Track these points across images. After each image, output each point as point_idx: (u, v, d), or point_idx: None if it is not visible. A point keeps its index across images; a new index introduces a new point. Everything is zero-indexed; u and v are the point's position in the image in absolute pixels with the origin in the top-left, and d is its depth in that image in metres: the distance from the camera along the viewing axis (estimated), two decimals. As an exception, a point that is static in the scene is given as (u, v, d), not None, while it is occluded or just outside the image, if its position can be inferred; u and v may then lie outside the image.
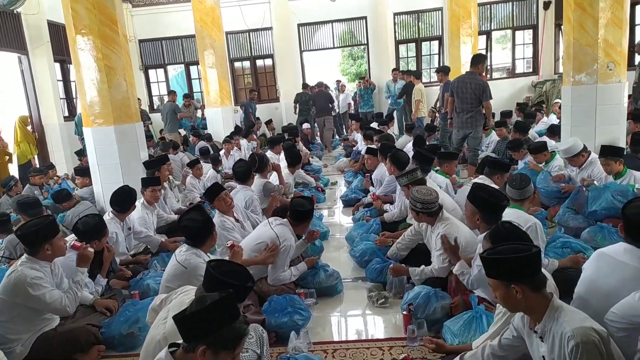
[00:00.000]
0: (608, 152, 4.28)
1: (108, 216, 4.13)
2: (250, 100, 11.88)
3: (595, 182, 4.52)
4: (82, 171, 6.04)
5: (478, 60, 6.60)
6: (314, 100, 11.41)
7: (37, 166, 8.20)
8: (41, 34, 9.34)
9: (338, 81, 13.70)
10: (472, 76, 6.50)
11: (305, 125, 11.05)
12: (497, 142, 7.32)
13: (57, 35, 9.89)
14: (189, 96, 11.48)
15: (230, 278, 2.05)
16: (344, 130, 12.86)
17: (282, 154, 7.03)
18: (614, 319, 2.02)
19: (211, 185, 4.31)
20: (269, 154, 7.05)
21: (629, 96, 6.91)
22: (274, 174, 5.85)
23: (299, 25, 12.86)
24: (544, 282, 1.89)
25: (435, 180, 4.74)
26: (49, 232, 2.91)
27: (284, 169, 6.19)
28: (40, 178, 6.64)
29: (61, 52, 9.96)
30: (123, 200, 4.15)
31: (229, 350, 1.68)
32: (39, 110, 9.49)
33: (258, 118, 12.06)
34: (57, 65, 10.08)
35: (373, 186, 5.87)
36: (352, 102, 12.93)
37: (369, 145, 6.69)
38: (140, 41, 13.08)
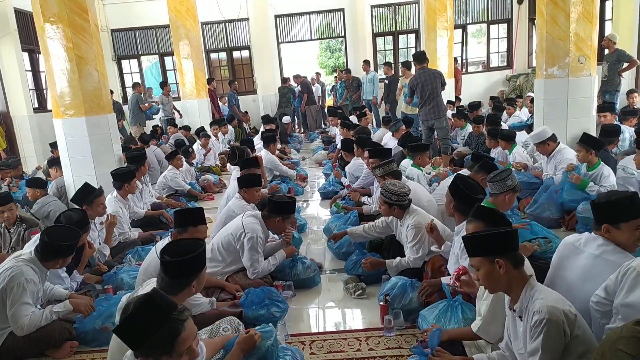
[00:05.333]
0: (587, 141, 4.32)
1: None
2: (233, 92, 11.74)
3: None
4: (55, 161, 5.85)
5: (424, 57, 6.99)
6: (306, 88, 11.61)
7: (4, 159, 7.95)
8: (7, 22, 9.01)
9: (317, 74, 13.72)
10: (426, 70, 6.85)
11: (286, 119, 11.01)
12: (469, 134, 7.39)
13: (25, 23, 9.55)
14: (166, 84, 11.14)
15: (184, 254, 2.09)
16: (323, 122, 12.91)
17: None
18: (598, 301, 2.08)
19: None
20: (264, 152, 6.70)
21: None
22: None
23: (276, 16, 12.74)
24: (522, 259, 1.98)
25: (410, 173, 4.78)
26: (72, 250, 2.96)
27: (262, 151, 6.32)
28: (7, 173, 6.44)
29: (29, 41, 9.62)
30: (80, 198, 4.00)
31: (166, 354, 1.61)
32: (7, 102, 9.17)
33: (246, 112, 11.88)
34: (26, 54, 9.75)
35: (345, 177, 5.89)
36: (321, 96, 13.03)
37: (344, 138, 6.67)
38: (113, 31, 12.75)
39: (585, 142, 4.32)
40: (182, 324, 1.63)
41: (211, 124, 9.46)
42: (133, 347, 1.62)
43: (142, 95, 10.11)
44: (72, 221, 3.31)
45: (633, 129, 6.05)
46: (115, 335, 1.66)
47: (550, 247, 3.23)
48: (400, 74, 10.29)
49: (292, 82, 12.89)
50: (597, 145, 4.32)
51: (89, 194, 3.97)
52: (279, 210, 3.49)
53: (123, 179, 4.60)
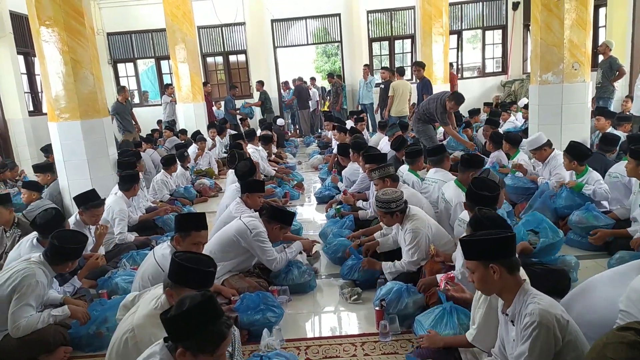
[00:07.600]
0: (570, 152, 4.32)
1: (74, 219, 3.97)
2: (232, 97, 11.71)
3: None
4: (41, 168, 5.80)
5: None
6: (299, 92, 11.58)
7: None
8: (3, 25, 8.98)
9: (313, 79, 13.74)
10: (438, 95, 6.50)
11: (280, 121, 11.02)
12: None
13: (20, 26, 9.52)
14: (169, 86, 10.97)
15: (193, 264, 2.11)
16: (319, 127, 12.93)
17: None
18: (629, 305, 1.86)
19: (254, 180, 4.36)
20: (250, 147, 7.06)
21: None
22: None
23: (273, 20, 12.77)
24: (518, 265, 1.97)
25: (406, 178, 4.79)
26: (79, 253, 2.99)
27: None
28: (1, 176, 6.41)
29: (25, 44, 9.60)
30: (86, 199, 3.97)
31: (207, 353, 1.66)
32: (2, 105, 9.13)
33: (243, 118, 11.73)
34: (21, 57, 9.71)
35: (341, 182, 5.90)
36: (319, 100, 13.02)
37: (341, 143, 6.69)
38: (109, 34, 12.73)
39: (569, 152, 4.33)
40: (229, 328, 1.72)
41: (208, 127, 9.46)
42: (183, 337, 1.66)
43: (124, 103, 9.17)
44: (46, 219, 3.33)
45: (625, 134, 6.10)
46: (166, 323, 1.68)
47: (536, 241, 3.25)
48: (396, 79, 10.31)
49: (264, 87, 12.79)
50: (580, 157, 4.29)
51: (91, 201, 3.94)
52: (280, 218, 3.52)
53: (133, 180, 4.70)
